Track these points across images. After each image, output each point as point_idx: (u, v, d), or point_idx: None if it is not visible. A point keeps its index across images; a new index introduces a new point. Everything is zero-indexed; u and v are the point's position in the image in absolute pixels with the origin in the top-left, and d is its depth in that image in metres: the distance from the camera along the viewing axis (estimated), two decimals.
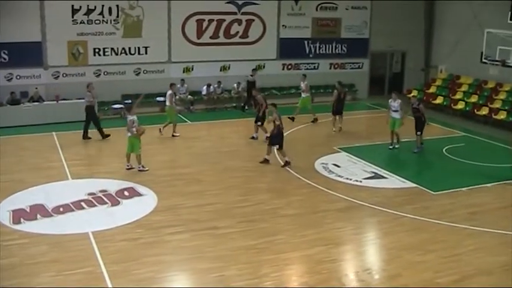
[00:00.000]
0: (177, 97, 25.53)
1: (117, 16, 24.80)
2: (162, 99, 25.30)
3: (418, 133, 20.03)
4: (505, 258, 12.15)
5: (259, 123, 21.05)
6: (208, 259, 11.69)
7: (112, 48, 25.02)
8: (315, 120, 24.48)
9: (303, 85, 24.66)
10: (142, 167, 17.29)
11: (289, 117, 23.77)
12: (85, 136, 21.04)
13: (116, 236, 12.67)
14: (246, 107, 26.31)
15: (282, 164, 18.01)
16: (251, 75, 26.60)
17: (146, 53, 25.62)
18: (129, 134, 17.26)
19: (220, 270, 11.22)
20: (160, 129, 21.59)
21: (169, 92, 21.72)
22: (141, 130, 17.27)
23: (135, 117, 17.31)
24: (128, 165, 17.37)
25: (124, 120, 20.84)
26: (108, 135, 21.02)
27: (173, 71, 26.12)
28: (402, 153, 20.07)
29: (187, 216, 13.92)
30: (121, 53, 25.22)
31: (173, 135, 21.65)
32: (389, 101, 20.33)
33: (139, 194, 15.36)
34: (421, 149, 20.17)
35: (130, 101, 24.23)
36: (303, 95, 24.68)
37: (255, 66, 27.42)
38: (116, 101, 24.74)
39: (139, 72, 25.67)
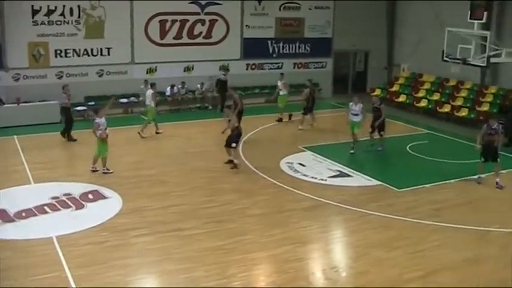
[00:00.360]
0: (141, 98, 25.40)
1: (79, 17, 24.45)
2: (125, 100, 25.19)
3: (382, 133, 20.20)
4: (468, 253, 12.39)
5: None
6: (175, 261, 11.63)
7: (74, 50, 24.65)
8: (280, 120, 24.57)
9: (280, 84, 24.90)
10: (107, 169, 17.12)
11: (277, 120, 24.54)
12: (69, 138, 20.88)
13: (81, 239, 12.51)
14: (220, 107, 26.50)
15: (227, 161, 17.93)
16: (223, 75, 26.65)
17: (109, 54, 25.34)
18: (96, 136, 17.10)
19: (188, 271, 11.18)
20: (139, 132, 21.56)
21: (151, 91, 21.88)
22: (103, 135, 17.05)
23: (102, 120, 17.11)
24: (93, 167, 17.18)
25: (88, 123, 20.69)
26: (75, 140, 20.77)
27: (136, 72, 25.87)
28: (366, 152, 20.21)
29: (153, 218, 13.83)
30: (83, 54, 24.87)
31: (157, 133, 22.06)
32: (350, 104, 19.98)
33: (104, 197, 15.19)
34: (382, 148, 20.33)
35: (93, 103, 24.04)
36: (280, 93, 24.93)
37: (227, 65, 27.48)
38: (78, 103, 24.35)
39: (102, 74, 25.38)
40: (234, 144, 17.65)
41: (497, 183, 16.73)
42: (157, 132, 22.05)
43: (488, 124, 16.92)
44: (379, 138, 20.38)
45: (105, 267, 11.23)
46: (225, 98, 25.72)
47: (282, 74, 25.81)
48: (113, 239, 12.61)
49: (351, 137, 20.02)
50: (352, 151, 19.84)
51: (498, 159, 16.86)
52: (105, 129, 17.07)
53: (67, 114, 21.15)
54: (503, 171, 17.58)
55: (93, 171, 17.17)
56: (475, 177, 17.15)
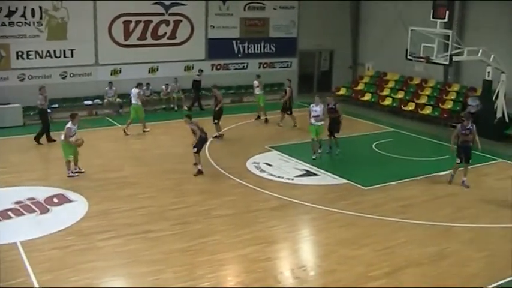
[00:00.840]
0: (105, 100, 25.19)
1: (41, 18, 24.11)
2: (90, 102, 24.94)
3: (336, 135, 19.77)
4: (433, 248, 12.56)
5: (216, 121, 21.51)
6: (143, 263, 11.56)
7: (36, 51, 24.28)
8: (258, 118, 25.12)
9: (256, 82, 25.04)
10: (72, 172, 16.93)
11: (258, 118, 25.03)
12: (49, 139, 20.69)
13: (46, 244, 12.33)
14: (195, 105, 27.02)
15: (196, 171, 17.49)
16: (198, 75, 26.81)
17: (72, 56, 24.99)
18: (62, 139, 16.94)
19: (156, 273, 11.12)
20: (124, 130, 21.88)
21: (137, 90, 22.29)
22: (79, 142, 16.89)
23: (75, 127, 16.98)
24: (75, 169, 17.15)
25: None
26: (54, 140, 20.47)
27: (101, 74, 25.63)
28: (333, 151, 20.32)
29: (120, 221, 13.71)
30: (46, 56, 24.51)
31: (144, 131, 22.48)
32: (311, 105, 19.13)
33: (70, 200, 15.00)
34: (339, 151, 19.77)
35: (57, 106, 23.79)
36: (257, 91, 25.10)
37: (192, 69, 27.87)
38: None
39: (66, 76, 25.02)
40: (194, 149, 17.43)
41: (463, 182, 16.95)
42: (144, 131, 22.54)
43: (462, 124, 17.05)
44: (334, 141, 19.94)
45: (71, 272, 11.10)
46: (199, 98, 26.34)
47: (258, 75, 25.74)
48: (79, 243, 12.46)
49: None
50: (314, 156, 19.19)
51: (470, 161, 17.01)
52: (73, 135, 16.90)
53: (43, 117, 20.89)
54: (469, 167, 17.93)
55: (74, 174, 17.06)
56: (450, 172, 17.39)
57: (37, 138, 20.59)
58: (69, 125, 16.87)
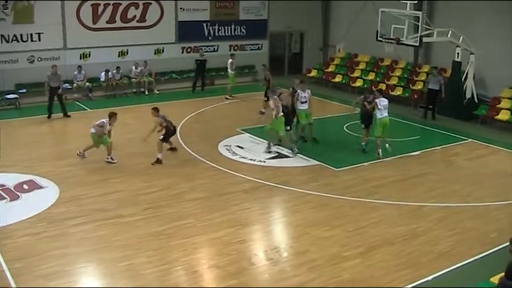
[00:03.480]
0: (74, 84, 24.87)
1: (6, 1, 23.56)
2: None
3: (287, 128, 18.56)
4: (405, 228, 12.74)
5: (265, 98, 22.45)
6: (115, 248, 11.51)
7: (2, 36, 23.77)
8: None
9: (230, 60, 25.82)
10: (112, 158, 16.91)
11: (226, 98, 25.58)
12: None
13: (17, 231, 12.20)
14: (198, 85, 27.48)
15: (168, 148, 17.67)
16: (201, 55, 27.18)
17: (40, 40, 24.54)
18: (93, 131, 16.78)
19: (129, 258, 11.09)
20: None
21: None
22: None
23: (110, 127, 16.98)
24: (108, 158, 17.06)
25: (17, 111, 20.15)
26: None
27: (69, 58, 25.23)
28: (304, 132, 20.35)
29: (91, 206, 13.61)
30: (12, 40, 23.99)
31: None
32: (298, 92, 18.46)
33: (40, 187, 14.84)
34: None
35: (25, 91, 23.46)
36: (230, 71, 25.72)
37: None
38: (9, 91, 23.67)
39: (33, 60, 24.57)
40: (161, 137, 17.18)
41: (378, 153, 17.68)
42: None
43: (365, 97, 18.50)
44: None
45: (43, 259, 11.01)
46: (203, 78, 27.34)
47: (232, 54, 26.67)
48: (51, 229, 12.35)
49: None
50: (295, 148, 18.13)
51: (370, 126, 18.26)
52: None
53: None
54: (438, 148, 18.18)
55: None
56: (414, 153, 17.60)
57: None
58: (107, 124, 16.82)
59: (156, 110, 17.32)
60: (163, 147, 17.27)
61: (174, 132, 17.81)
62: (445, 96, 22.44)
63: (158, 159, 16.98)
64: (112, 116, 16.93)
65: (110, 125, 16.80)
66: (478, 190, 15.28)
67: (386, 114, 17.65)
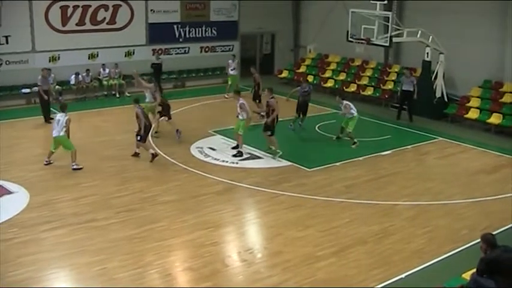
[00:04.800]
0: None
1: None
2: (28, 90, 24.23)
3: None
4: (377, 227, 12.84)
5: (257, 100, 22.68)
6: (88, 253, 11.40)
7: None
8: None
9: (233, 64, 26.42)
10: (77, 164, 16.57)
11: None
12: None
13: None
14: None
15: (133, 152, 17.60)
16: (157, 58, 26.76)
17: (7, 43, 24.13)
18: (60, 134, 16.39)
19: (102, 263, 11.00)
20: None
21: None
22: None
23: (68, 117, 16.55)
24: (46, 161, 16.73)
25: None
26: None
27: (38, 61, 24.84)
28: (276, 133, 20.35)
29: (64, 211, 13.47)
30: None
31: None
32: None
33: (10, 192, 14.62)
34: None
35: None
36: (232, 72, 26.29)
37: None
38: None
39: (1, 64, 24.17)
40: (138, 138, 17.23)
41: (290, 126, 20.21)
42: None
43: (302, 87, 20.89)
44: (301, 119, 21.32)
45: (14, 265, 10.85)
46: (159, 82, 25.76)
47: (233, 55, 27.92)
48: (22, 235, 12.18)
49: (258, 119, 19.93)
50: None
51: (306, 114, 20.80)
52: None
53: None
54: (409, 147, 18.38)
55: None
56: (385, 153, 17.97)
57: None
58: (61, 116, 16.48)
59: (136, 101, 17.49)
60: (149, 143, 17.63)
61: (150, 127, 17.78)
62: (417, 97, 22.63)
63: (152, 154, 17.08)
64: (65, 107, 16.92)
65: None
66: (449, 188, 15.48)
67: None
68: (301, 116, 20.95)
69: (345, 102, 19.31)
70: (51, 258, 11.30)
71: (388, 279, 10.56)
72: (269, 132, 17.86)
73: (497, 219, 13.21)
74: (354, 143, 18.84)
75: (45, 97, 21.54)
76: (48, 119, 21.24)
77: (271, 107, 17.74)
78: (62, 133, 16.38)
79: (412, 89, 22.43)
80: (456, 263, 11.07)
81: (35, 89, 23.20)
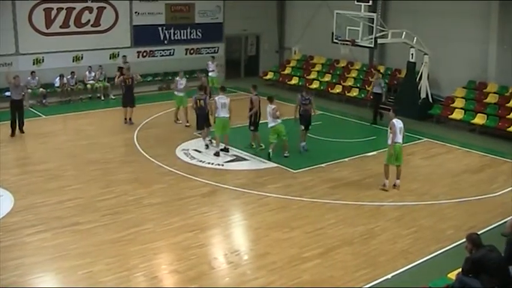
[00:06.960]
0: (29, 90, 24.36)
1: None
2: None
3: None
4: (363, 227, 12.88)
5: (252, 128, 18.88)
6: (73, 256, 11.32)
7: None
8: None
9: (212, 66, 26.36)
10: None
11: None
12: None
13: None
14: None
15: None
16: (124, 62, 25.78)
17: None
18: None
19: (88, 266, 10.93)
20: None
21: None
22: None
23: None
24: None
25: None
26: None
27: (22, 64, 24.67)
28: (261, 135, 20.32)
29: (48, 214, 13.36)
30: None
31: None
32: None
33: None
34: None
35: None
36: (211, 74, 26.19)
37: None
38: None
39: None
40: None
41: (303, 147, 18.39)
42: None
43: (302, 95, 18.53)
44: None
45: None
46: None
47: (212, 57, 27.65)
48: (6, 239, 12.06)
49: (245, 121, 19.67)
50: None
51: (310, 127, 18.58)
52: None
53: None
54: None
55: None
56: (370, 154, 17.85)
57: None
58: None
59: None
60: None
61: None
62: (385, 100, 22.66)
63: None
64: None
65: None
66: (434, 188, 15.55)
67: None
68: (303, 129, 18.44)
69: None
70: (35, 262, 11.20)
71: (374, 279, 10.59)
72: (252, 127, 18.44)
73: (482, 219, 13.30)
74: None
75: (10, 108, 19.90)
76: (13, 133, 19.79)
77: (253, 103, 18.24)
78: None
79: (380, 91, 22.41)
80: (442, 263, 11.12)
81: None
